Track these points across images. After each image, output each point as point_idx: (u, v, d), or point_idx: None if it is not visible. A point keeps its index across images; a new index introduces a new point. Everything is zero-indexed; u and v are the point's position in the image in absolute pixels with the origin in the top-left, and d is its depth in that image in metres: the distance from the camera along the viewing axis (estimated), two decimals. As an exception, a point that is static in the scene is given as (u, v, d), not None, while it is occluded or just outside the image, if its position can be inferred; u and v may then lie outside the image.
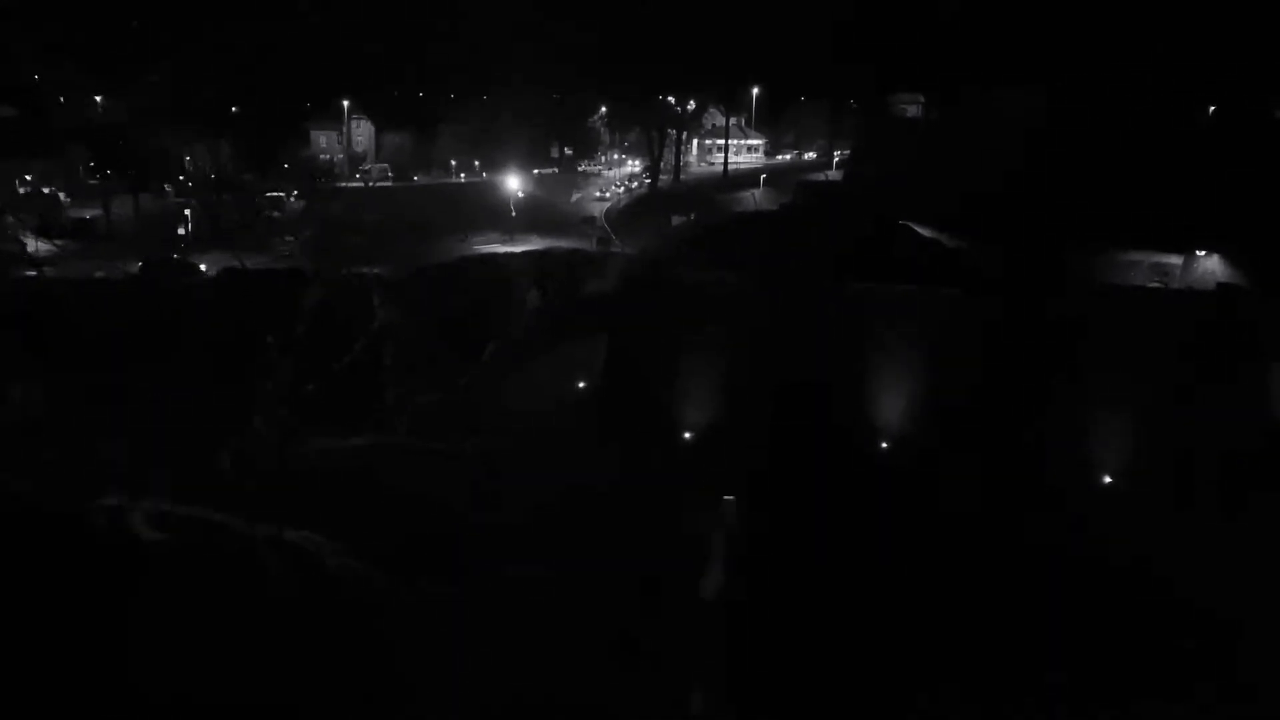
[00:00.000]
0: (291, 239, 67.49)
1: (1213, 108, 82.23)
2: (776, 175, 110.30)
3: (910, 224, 65.07)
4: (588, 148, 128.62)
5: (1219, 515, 42.32)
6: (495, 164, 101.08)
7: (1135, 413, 46.67)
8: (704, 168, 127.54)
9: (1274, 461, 44.30)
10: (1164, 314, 49.36)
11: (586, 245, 67.14)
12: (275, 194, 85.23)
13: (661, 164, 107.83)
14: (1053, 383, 47.83)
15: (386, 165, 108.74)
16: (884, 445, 49.47)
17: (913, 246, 61.28)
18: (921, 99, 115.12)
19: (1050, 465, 46.28)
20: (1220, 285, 53.39)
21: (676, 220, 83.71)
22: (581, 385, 54.86)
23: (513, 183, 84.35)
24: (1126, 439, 46.69)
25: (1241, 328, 46.78)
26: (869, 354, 50.39)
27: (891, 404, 50.19)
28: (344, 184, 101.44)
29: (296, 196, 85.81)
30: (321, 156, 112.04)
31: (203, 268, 60.23)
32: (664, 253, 67.62)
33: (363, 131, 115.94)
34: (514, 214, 75.49)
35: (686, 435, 50.79)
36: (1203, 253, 58.50)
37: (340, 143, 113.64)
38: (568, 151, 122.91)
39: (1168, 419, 46.13)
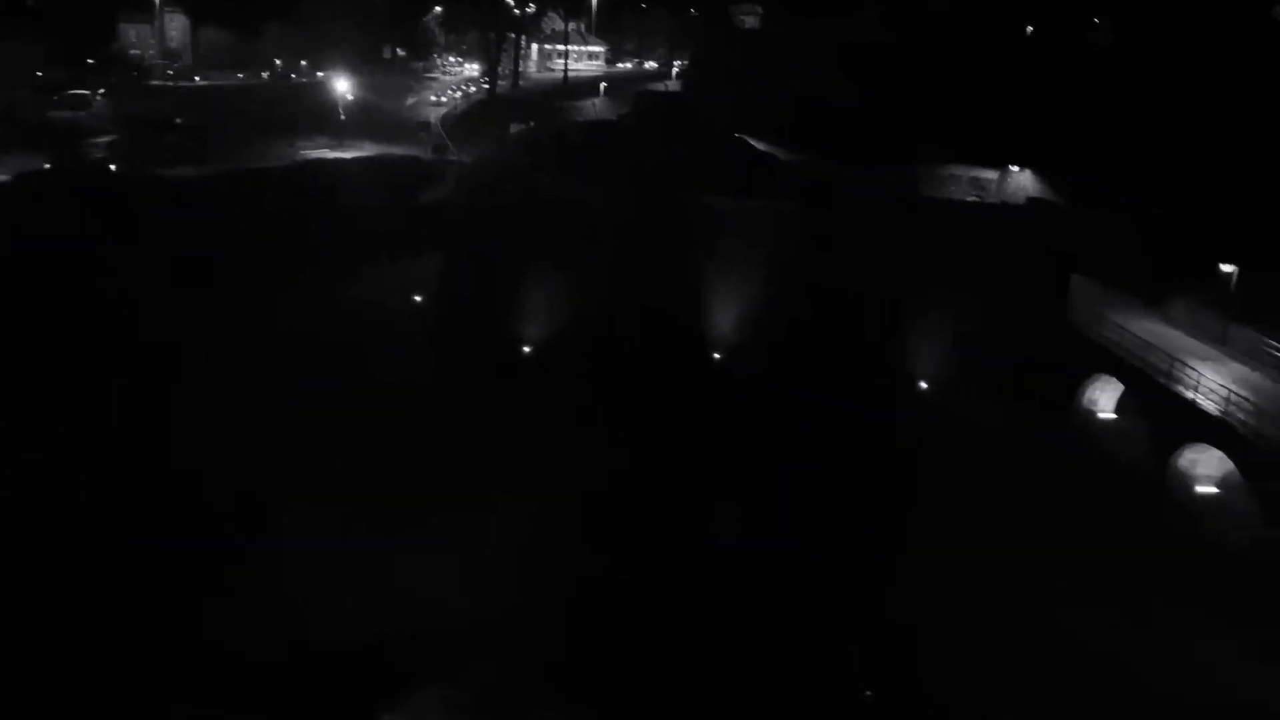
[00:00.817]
0: (102, 140, 62.92)
1: (1029, 28, 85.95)
2: (617, 84, 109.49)
3: (747, 137, 66.02)
4: (422, 50, 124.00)
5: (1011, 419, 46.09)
6: (323, 65, 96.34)
7: (953, 322, 49.26)
8: (544, 74, 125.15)
9: (1066, 368, 47.77)
10: (980, 227, 52.20)
11: (422, 153, 65.25)
12: (80, 91, 78.87)
13: (500, 69, 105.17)
14: (879, 294, 50.01)
15: (190, 63, 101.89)
16: (716, 356, 50.84)
17: (749, 160, 62.27)
18: (760, 10, 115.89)
19: (877, 374, 48.64)
20: (1030, 199, 56.69)
21: (516, 128, 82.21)
22: (417, 300, 53.83)
23: (341, 85, 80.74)
24: (942, 348, 49.33)
25: (1049, 240, 50.02)
26: (709, 267, 51.37)
27: (729, 316, 51.48)
28: (156, 82, 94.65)
29: (105, 94, 79.68)
30: (132, 52, 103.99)
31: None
32: (504, 161, 66.45)
33: (177, 26, 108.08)
34: (343, 118, 72.46)
35: (526, 349, 50.89)
36: (1016, 168, 61.83)
37: (153, 38, 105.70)
38: (401, 53, 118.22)
39: (981, 328, 49.01)
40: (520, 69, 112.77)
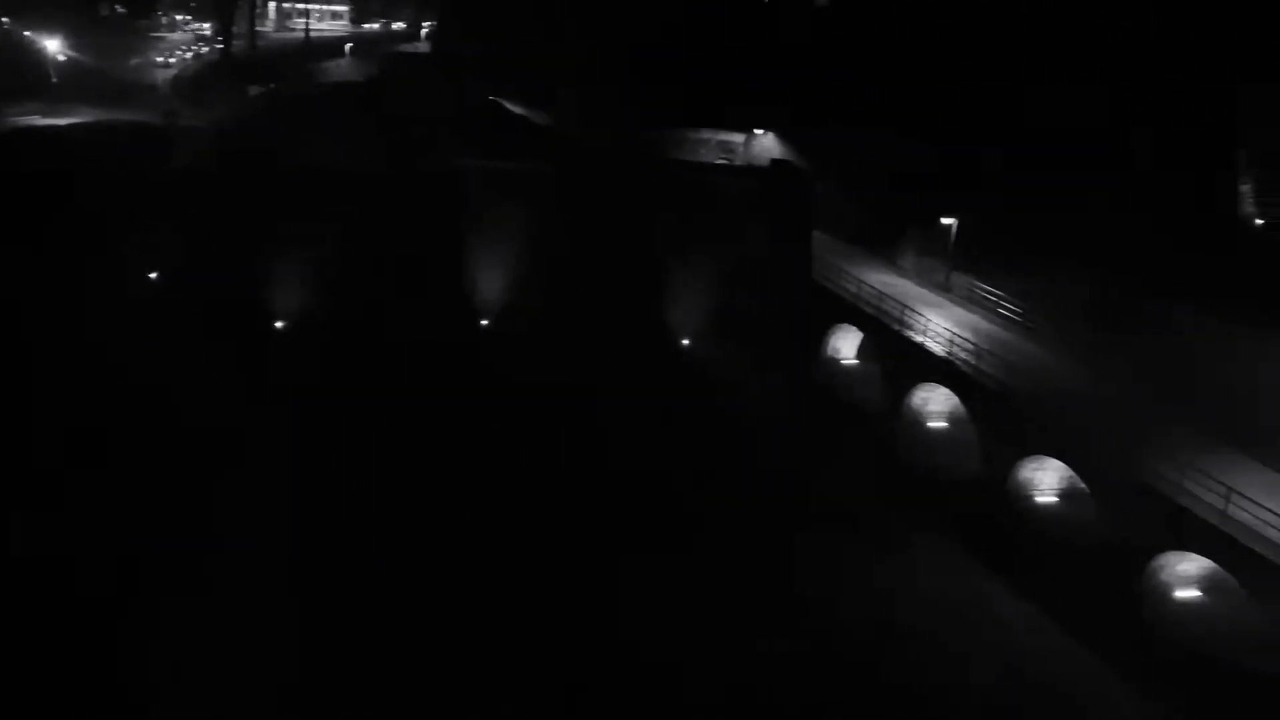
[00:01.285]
0: None
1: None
2: (364, 45, 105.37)
3: (501, 100, 65.47)
4: (145, 5, 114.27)
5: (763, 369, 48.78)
6: (29, 24, 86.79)
7: (709, 280, 51.03)
8: (283, 34, 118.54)
9: (812, 320, 50.87)
10: (730, 187, 54.29)
11: (151, 118, 60.25)
12: None
13: (234, 29, 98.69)
14: (640, 255, 51.06)
15: None
16: (484, 323, 50.46)
17: (504, 122, 61.78)
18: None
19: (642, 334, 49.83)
20: (773, 160, 59.46)
21: (254, 91, 77.58)
22: (153, 277, 49.87)
23: (52, 45, 73.21)
24: (701, 305, 51.07)
25: (788, 197, 52.74)
26: (468, 232, 50.67)
27: (492, 282, 51.06)
28: None
29: None
30: None
31: None
32: (243, 126, 62.62)
33: None
34: (55, 80, 65.79)
35: (279, 325, 48.60)
36: (760, 131, 64.64)
37: None
38: (120, 9, 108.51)
39: (734, 285, 51.07)
40: (257, 28, 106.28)
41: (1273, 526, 28.37)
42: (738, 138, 65.22)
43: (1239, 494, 29.54)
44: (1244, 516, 29.24)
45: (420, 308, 48.52)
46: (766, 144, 64.49)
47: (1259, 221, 51.09)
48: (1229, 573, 29.77)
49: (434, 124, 56.88)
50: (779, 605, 34.28)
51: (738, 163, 63.42)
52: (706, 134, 65.73)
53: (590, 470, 41.45)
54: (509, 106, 64.89)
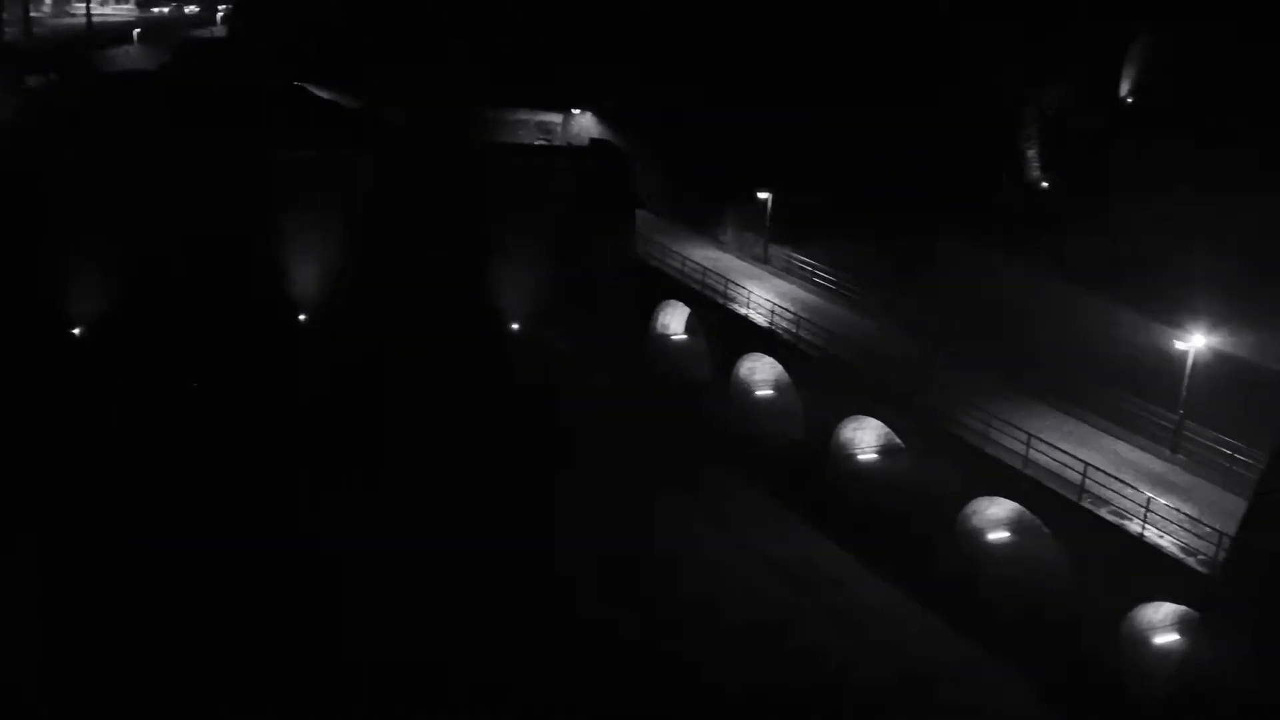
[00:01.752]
0: None
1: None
2: (154, 30, 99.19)
3: (307, 85, 62.95)
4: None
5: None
6: None
7: (536, 261, 50.82)
8: (63, 20, 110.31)
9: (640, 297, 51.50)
10: (548, 167, 54.13)
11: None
12: None
13: (5, 15, 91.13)
14: (464, 239, 50.31)
15: None
16: (302, 318, 48.70)
17: (309, 108, 59.47)
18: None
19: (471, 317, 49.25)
20: (592, 140, 59.67)
21: (34, 81, 71.97)
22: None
23: None
24: (530, 287, 50.83)
25: (609, 177, 53.10)
26: (281, 223, 48.72)
27: (308, 274, 49.29)
28: None
29: None
30: None
31: None
32: (21, 121, 58.03)
33: None
34: None
35: (75, 331, 45.67)
36: (577, 111, 64.63)
37: None
38: None
39: (562, 266, 51.06)
40: (32, 14, 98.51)
41: (1069, 467, 30.63)
42: (555, 118, 65.00)
43: (1037, 438, 31.75)
44: (1042, 459, 31.47)
45: (234, 305, 46.43)
46: (585, 124, 64.54)
47: (1044, 185, 55.03)
48: (1035, 515, 32.00)
49: (235, 112, 54.14)
50: (617, 570, 34.82)
51: (556, 143, 63.23)
52: (524, 114, 65.15)
53: (421, 455, 40.84)
54: (315, 91, 62.46)
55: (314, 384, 44.71)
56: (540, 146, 61.23)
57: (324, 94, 62.52)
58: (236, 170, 48.45)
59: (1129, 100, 57.25)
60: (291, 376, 45.36)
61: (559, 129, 64.85)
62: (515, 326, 50.24)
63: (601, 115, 63.88)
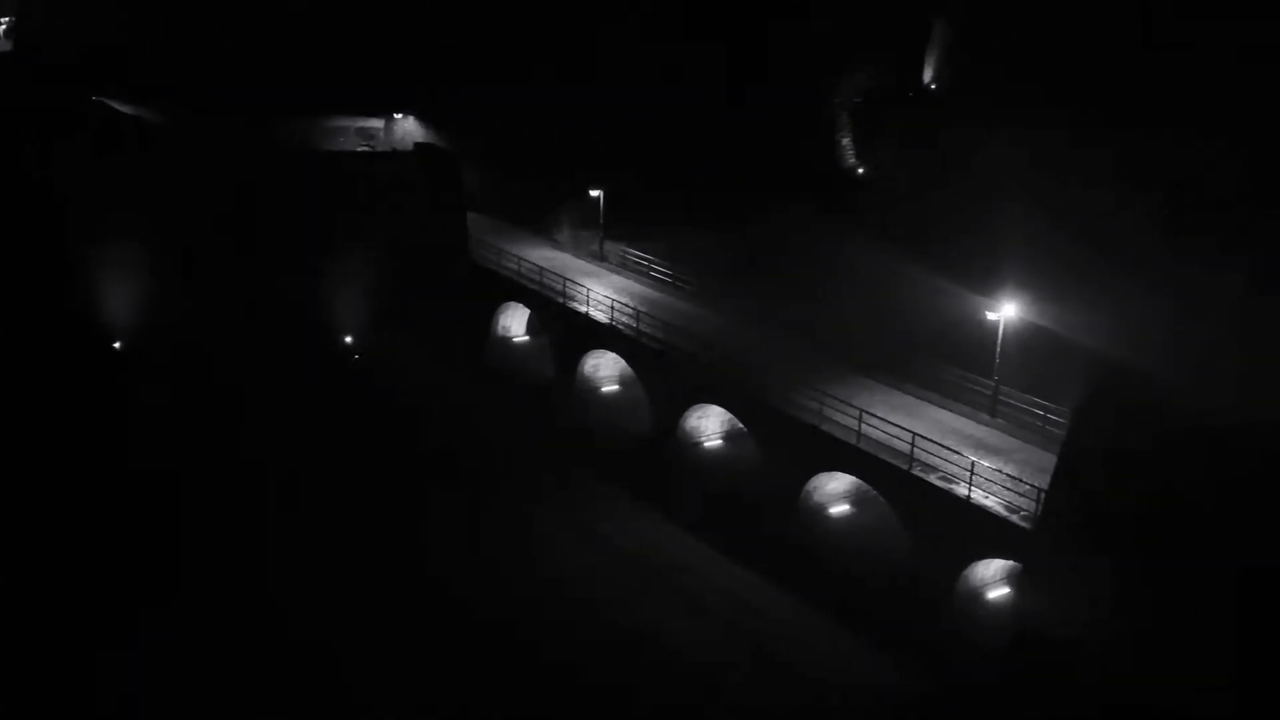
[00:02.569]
0: None
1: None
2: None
3: (106, 100, 59.29)
4: None
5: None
6: None
7: (370, 272, 49.55)
8: None
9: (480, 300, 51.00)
10: (373, 174, 52.82)
11: None
12: None
13: None
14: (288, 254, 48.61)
15: None
16: (117, 345, 46.07)
17: (110, 124, 56.07)
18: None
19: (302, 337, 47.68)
20: (417, 144, 58.56)
21: None
22: None
23: None
24: (365, 299, 49.55)
25: (437, 181, 52.26)
26: (89, 246, 45.88)
27: (126, 300, 46.65)
28: None
29: None
30: None
31: None
32: None
33: None
34: None
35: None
36: (400, 115, 63.37)
37: None
38: None
39: (397, 274, 49.97)
40: None
41: (899, 439, 32.17)
42: (377, 123, 63.54)
43: (868, 413, 33.20)
44: (874, 433, 32.95)
45: (36, 337, 43.54)
46: (409, 128, 63.36)
47: (860, 171, 57.42)
48: (871, 486, 33.47)
49: (23, 127, 50.56)
50: (474, 569, 34.70)
51: (380, 149, 61.79)
52: (344, 121, 63.32)
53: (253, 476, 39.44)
54: (116, 106, 58.91)
55: (141, 422, 42.20)
56: (363, 153, 59.65)
57: (125, 108, 59.06)
58: (25, 196, 45.43)
59: (932, 86, 60.30)
60: (115, 412, 42.69)
61: (381, 134, 63.44)
62: (349, 339, 48.88)
63: (425, 118, 62.88)
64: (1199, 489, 23.77)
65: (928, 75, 60.65)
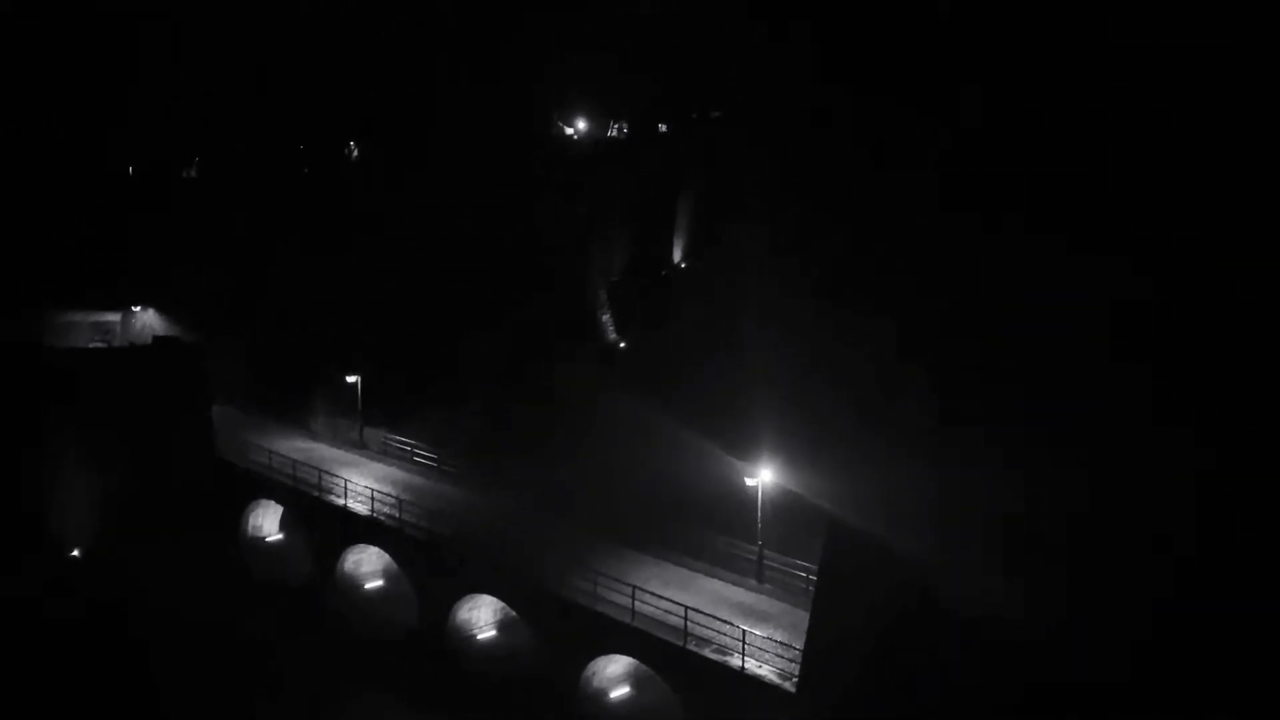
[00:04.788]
0: None
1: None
2: None
3: None
4: None
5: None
6: None
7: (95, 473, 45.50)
8: None
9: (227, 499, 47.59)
10: (117, 369, 49.39)
11: None
12: None
13: None
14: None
15: None
16: None
17: None
18: None
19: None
20: (156, 337, 55.52)
21: None
22: None
23: None
24: (97, 502, 45.28)
25: (178, 375, 49.26)
26: None
27: None
28: None
29: None
30: None
31: None
32: None
33: None
34: None
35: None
36: (138, 308, 60.13)
37: None
38: None
39: (134, 474, 46.12)
40: None
41: (671, 614, 31.78)
42: (114, 316, 59.90)
43: (641, 589, 32.74)
44: (648, 609, 32.44)
45: None
46: (148, 320, 60.06)
47: (622, 345, 59.11)
48: (648, 666, 32.66)
49: None
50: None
51: (116, 343, 58.00)
52: (78, 316, 59.33)
53: None
54: None
55: None
56: (96, 350, 55.64)
57: None
58: None
59: (681, 265, 63.55)
60: None
61: (118, 328, 59.75)
62: (76, 553, 44.08)
63: (165, 310, 59.95)
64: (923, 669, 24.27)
65: (677, 251, 64.01)
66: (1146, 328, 21.50)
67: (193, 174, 69.92)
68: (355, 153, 72.76)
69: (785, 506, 36.15)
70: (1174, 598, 20.41)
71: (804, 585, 33.80)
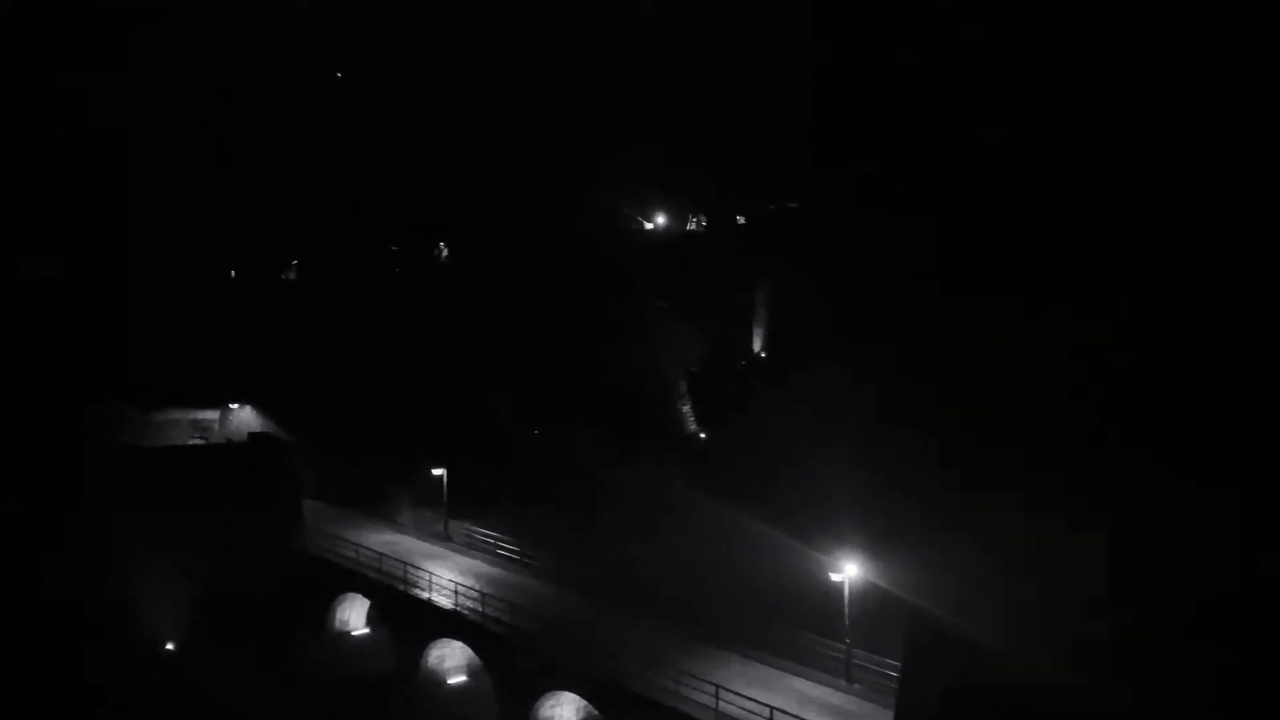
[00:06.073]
0: None
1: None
2: None
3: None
4: None
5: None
6: None
7: (192, 573, 46.61)
8: None
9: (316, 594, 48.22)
10: (211, 462, 51.11)
11: None
12: None
13: None
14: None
15: None
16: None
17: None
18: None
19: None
20: (252, 434, 57.32)
21: None
22: None
23: None
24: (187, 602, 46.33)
25: (271, 472, 50.67)
26: None
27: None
28: None
29: None
30: None
31: None
32: None
33: None
34: None
35: None
36: (235, 406, 62.27)
37: None
38: None
39: (222, 572, 47.11)
40: None
41: (755, 715, 30.88)
42: (211, 414, 62.09)
43: (725, 689, 31.96)
44: (732, 710, 31.60)
45: None
46: (244, 417, 62.10)
47: (702, 436, 59.06)
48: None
49: None
50: None
51: (214, 440, 60.01)
52: (177, 414, 61.66)
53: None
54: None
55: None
56: (194, 446, 57.69)
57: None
58: None
59: (761, 355, 63.63)
60: None
61: (216, 425, 61.88)
62: (170, 646, 44.99)
63: (261, 407, 61.96)
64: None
65: (756, 341, 64.19)
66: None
67: (291, 276, 72.98)
68: (444, 253, 75.33)
69: (874, 601, 35.18)
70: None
71: (893, 684, 32.61)
